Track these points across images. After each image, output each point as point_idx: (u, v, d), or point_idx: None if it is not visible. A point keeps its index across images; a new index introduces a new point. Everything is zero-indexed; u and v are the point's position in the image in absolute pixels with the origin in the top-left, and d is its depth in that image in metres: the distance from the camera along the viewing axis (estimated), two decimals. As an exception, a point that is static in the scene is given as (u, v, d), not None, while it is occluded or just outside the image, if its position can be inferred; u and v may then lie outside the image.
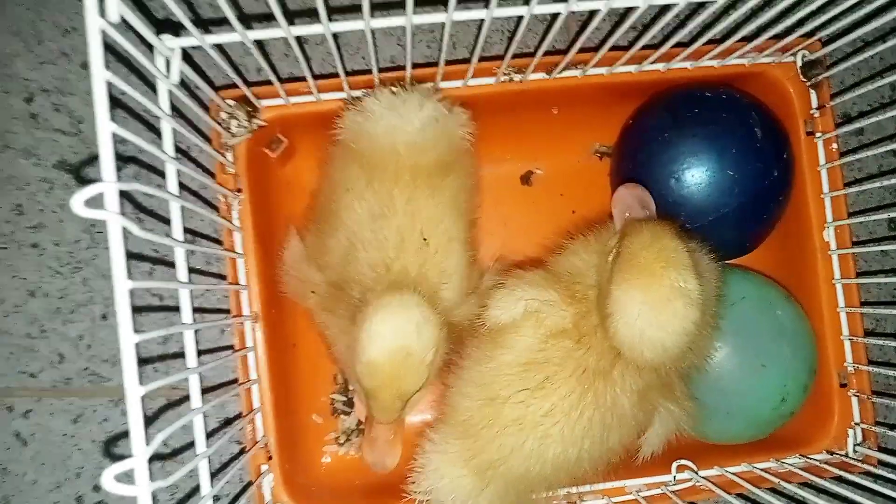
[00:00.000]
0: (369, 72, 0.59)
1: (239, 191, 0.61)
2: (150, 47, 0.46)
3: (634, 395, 0.51)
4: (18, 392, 0.68)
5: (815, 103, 0.65)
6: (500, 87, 0.63)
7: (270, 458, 0.61)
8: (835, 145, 0.65)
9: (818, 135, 0.65)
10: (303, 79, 0.58)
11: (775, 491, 0.58)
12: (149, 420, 0.67)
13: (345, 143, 0.59)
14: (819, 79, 0.64)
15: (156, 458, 0.66)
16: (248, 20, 0.70)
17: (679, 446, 0.67)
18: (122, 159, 0.69)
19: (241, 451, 0.58)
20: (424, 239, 0.56)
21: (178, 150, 0.69)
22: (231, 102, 0.60)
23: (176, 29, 0.49)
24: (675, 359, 0.49)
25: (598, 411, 0.51)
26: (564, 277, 0.54)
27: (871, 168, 0.76)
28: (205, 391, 0.47)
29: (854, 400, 0.64)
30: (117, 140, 0.35)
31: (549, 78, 0.63)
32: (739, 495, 0.58)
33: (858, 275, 0.65)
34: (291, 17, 0.71)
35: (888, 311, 0.65)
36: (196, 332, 0.44)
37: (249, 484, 0.59)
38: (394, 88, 0.58)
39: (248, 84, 0.58)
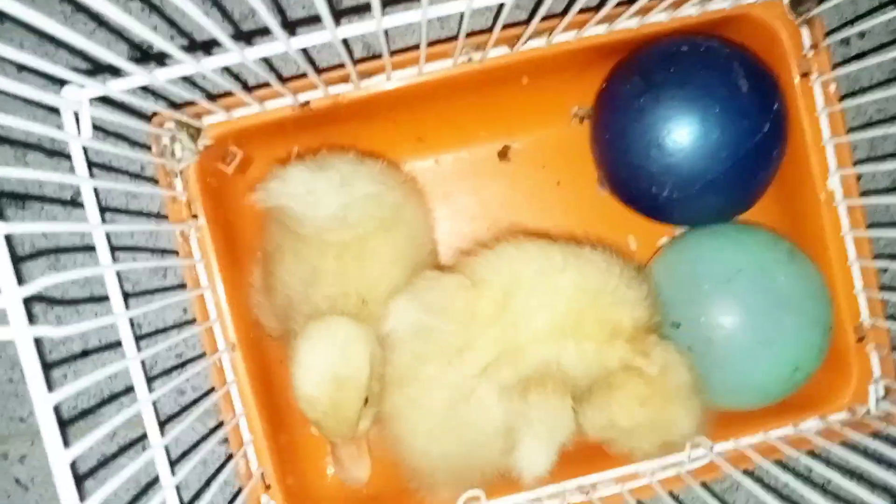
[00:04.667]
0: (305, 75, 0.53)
1: (195, 216, 0.58)
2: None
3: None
4: (11, 439, 0.67)
5: (807, 43, 0.58)
6: (458, 70, 0.58)
7: (269, 487, 0.59)
8: (833, 86, 0.59)
9: (814, 76, 0.59)
10: (247, 90, 0.53)
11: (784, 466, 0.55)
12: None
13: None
14: (810, 14, 0.57)
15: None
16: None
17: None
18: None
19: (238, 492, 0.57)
20: (364, 301, 0.54)
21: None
22: (171, 126, 0.56)
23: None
24: None
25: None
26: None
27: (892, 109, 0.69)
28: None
29: (874, 354, 0.61)
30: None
31: (512, 52, 0.57)
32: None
33: (870, 226, 0.60)
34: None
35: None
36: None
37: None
38: (306, 165, 0.55)
39: (178, 107, 0.54)
